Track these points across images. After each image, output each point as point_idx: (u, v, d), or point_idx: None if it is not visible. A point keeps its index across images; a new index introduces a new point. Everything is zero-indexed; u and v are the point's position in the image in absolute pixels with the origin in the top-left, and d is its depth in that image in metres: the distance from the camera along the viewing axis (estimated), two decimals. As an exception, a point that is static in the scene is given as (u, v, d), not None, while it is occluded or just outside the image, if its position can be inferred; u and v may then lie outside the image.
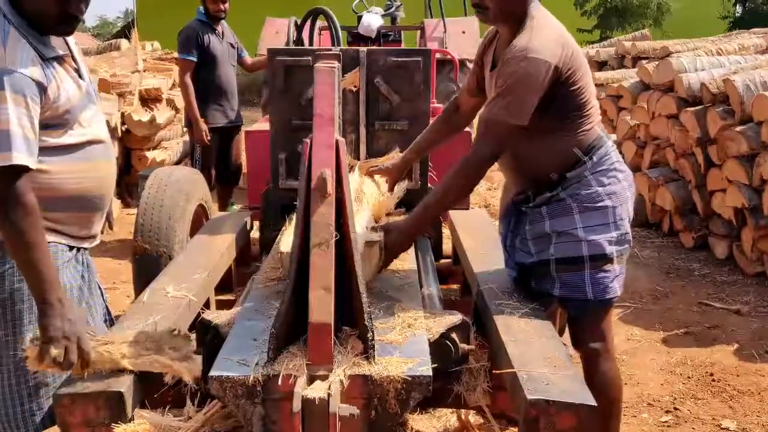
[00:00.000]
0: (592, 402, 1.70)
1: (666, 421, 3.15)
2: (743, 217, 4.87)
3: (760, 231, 4.71)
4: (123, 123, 6.52)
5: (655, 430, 3.08)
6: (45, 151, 1.94)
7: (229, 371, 1.73)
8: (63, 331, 1.78)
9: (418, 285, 2.43)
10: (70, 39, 2.11)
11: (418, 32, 7.18)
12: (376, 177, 2.88)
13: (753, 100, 4.76)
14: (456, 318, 2.04)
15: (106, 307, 2.33)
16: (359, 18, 5.98)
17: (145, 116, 6.66)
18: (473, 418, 2.42)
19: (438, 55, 5.00)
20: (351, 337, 1.84)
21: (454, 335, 2.00)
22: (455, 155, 3.51)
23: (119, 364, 1.84)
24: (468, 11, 7.15)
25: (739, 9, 20.28)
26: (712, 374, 3.54)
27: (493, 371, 2.01)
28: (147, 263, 3.03)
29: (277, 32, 6.38)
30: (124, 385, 1.80)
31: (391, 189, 2.81)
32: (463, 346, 2.01)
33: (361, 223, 2.27)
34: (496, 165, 2.36)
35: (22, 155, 1.80)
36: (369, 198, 2.68)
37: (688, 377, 3.54)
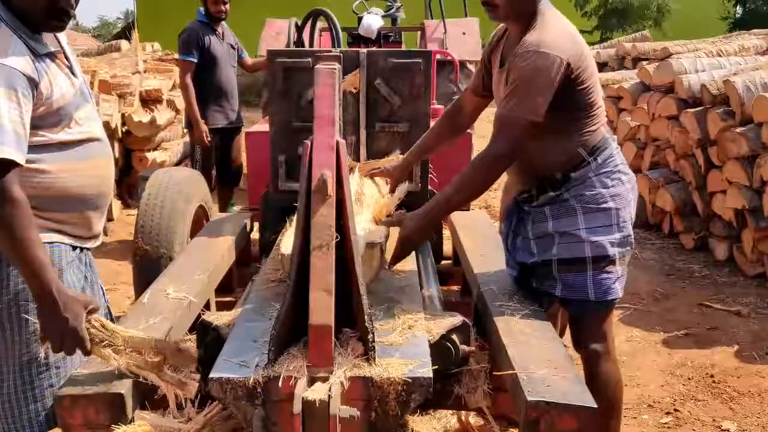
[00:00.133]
0: (593, 404, 1.70)
1: (666, 423, 3.15)
2: (743, 218, 4.86)
3: (760, 232, 4.71)
4: (123, 124, 6.53)
5: (655, 432, 3.09)
6: (44, 148, 1.93)
7: (229, 373, 1.73)
8: (58, 327, 1.77)
9: (419, 286, 2.43)
10: (62, 37, 2.08)
11: (419, 33, 7.20)
12: (377, 179, 2.87)
13: (753, 101, 4.75)
14: (456, 319, 2.04)
15: (108, 308, 2.33)
16: (359, 19, 5.99)
17: (145, 117, 6.67)
18: (474, 419, 2.42)
19: (438, 56, 5.00)
20: (351, 339, 1.84)
21: (454, 337, 2.00)
22: (456, 157, 3.51)
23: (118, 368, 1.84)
24: (468, 12, 7.16)
25: (739, 10, 20.29)
26: (712, 375, 3.54)
27: (494, 373, 2.01)
28: (147, 264, 3.02)
29: (277, 33, 6.39)
30: (125, 386, 1.80)
31: (392, 191, 2.81)
32: (464, 348, 2.01)
33: (361, 224, 2.27)
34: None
35: (10, 149, 1.78)
36: (369, 200, 2.67)
37: (689, 378, 3.54)
